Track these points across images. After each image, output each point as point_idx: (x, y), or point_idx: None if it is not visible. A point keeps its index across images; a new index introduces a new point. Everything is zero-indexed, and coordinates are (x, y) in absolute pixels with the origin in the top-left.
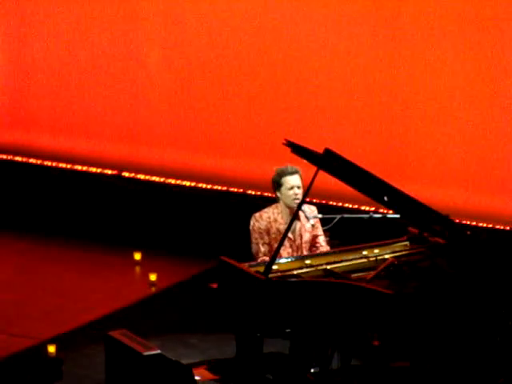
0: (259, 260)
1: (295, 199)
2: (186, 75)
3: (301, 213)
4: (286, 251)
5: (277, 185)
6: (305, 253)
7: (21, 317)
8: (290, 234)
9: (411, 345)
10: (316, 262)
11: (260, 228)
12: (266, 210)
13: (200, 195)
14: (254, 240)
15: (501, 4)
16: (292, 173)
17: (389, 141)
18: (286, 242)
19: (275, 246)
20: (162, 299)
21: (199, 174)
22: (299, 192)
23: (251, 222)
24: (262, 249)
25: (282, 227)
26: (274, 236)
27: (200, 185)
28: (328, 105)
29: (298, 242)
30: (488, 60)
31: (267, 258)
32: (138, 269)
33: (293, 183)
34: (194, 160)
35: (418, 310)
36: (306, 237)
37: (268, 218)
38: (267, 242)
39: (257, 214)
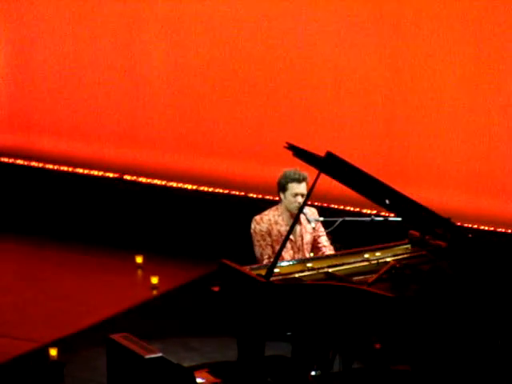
0: (265, 262)
1: (297, 207)
2: (188, 79)
3: (302, 215)
4: (287, 253)
5: (283, 187)
6: (306, 254)
7: (22, 320)
8: (290, 236)
9: (412, 348)
10: (317, 265)
11: (261, 230)
12: (266, 212)
13: (201, 198)
14: (256, 243)
15: (502, 6)
16: (300, 180)
17: (390, 144)
18: (288, 244)
19: (277, 248)
20: (164, 302)
21: (201, 176)
22: (302, 200)
23: (252, 226)
24: (267, 250)
25: (283, 229)
26: (275, 238)
27: (201, 188)
28: (329, 108)
29: (298, 243)
30: (489, 63)
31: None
32: (139, 272)
33: (299, 191)
34: (196, 163)
35: (419, 313)
36: (307, 238)
37: (269, 221)
38: (270, 243)
39: (257, 217)
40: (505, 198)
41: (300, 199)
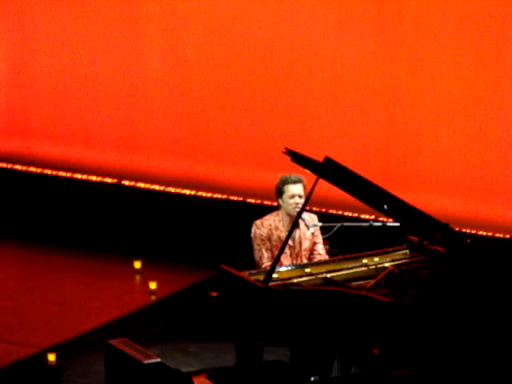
0: (263, 266)
1: (295, 208)
2: (186, 84)
3: (301, 220)
4: (286, 259)
5: (279, 192)
6: (304, 260)
7: (21, 325)
8: (290, 242)
9: (411, 353)
10: (316, 270)
11: (261, 235)
12: (266, 217)
13: (200, 203)
14: (256, 247)
15: (501, 9)
16: (295, 181)
17: (389, 149)
18: (287, 250)
19: (276, 253)
20: (162, 307)
21: (199, 182)
22: (300, 201)
23: (252, 230)
24: (266, 254)
25: (283, 235)
26: (274, 243)
27: (200, 193)
28: (328, 113)
29: (297, 249)
30: (489, 69)
31: None
32: (137, 277)
33: (294, 192)
34: (194, 168)
35: (417, 319)
36: (306, 244)
37: (269, 226)
38: (269, 248)
39: (258, 222)
40: (503, 203)
41: (297, 200)
